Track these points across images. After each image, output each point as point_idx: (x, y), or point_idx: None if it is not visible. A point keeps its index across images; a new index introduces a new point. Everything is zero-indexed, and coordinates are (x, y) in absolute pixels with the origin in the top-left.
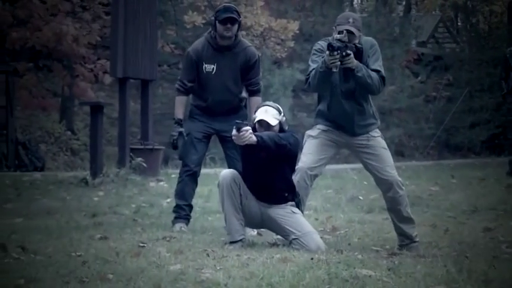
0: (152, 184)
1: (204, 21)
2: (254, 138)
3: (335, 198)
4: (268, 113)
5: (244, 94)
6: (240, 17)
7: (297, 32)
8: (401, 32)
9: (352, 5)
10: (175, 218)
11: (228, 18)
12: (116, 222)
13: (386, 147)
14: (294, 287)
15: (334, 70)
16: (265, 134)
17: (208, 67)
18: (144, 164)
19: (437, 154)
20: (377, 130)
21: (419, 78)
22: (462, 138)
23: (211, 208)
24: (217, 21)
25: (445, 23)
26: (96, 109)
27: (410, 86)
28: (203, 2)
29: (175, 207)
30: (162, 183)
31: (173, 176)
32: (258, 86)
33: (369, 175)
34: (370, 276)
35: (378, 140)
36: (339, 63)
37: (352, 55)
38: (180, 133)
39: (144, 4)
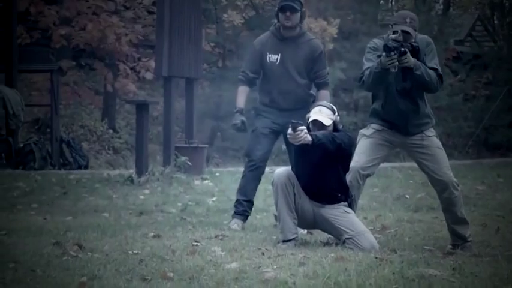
0: (197, 182)
1: (242, 21)
2: (309, 137)
3: (381, 197)
4: (323, 113)
5: (313, 91)
6: (303, 7)
7: (336, 36)
8: (440, 30)
9: (391, 3)
10: (234, 213)
11: (287, 6)
12: (164, 220)
13: (441, 147)
14: (361, 287)
15: (393, 70)
16: (320, 133)
17: (272, 57)
18: (189, 163)
19: (476, 153)
20: (432, 129)
21: (458, 76)
22: (501, 137)
23: (258, 206)
24: (278, 11)
25: (482, 21)
26: (142, 108)
27: (449, 85)
28: (243, 1)
29: (235, 201)
30: (207, 181)
31: (217, 174)
32: (325, 78)
33: (413, 174)
34: (435, 275)
35: (432, 139)
36: (397, 63)
37: (409, 53)
38: (243, 122)
39: (188, 3)
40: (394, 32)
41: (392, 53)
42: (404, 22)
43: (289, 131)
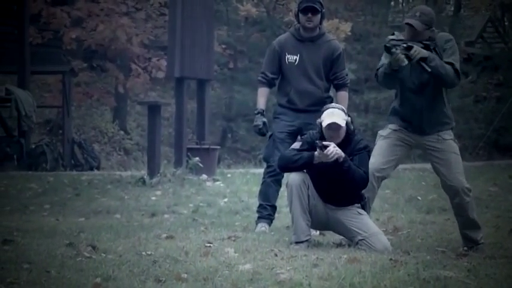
0: (209, 184)
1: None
2: (342, 152)
3: (393, 199)
4: (335, 115)
5: (330, 93)
6: (323, 8)
7: (349, 33)
8: (451, 32)
9: (402, 4)
10: (258, 217)
11: (309, 7)
12: (176, 221)
13: (457, 151)
14: None
15: (403, 64)
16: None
17: (291, 58)
18: (201, 164)
19: (486, 154)
20: (450, 132)
21: (469, 78)
22: None
23: None
24: (299, 12)
25: (493, 23)
26: (154, 109)
27: (460, 86)
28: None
29: (258, 207)
30: (218, 182)
31: (229, 175)
32: (344, 79)
33: (425, 175)
34: (451, 277)
35: (448, 143)
36: (404, 58)
37: (416, 47)
38: (264, 123)
39: (200, 4)
40: (392, 34)
41: (394, 50)
42: (413, 16)
43: (317, 152)
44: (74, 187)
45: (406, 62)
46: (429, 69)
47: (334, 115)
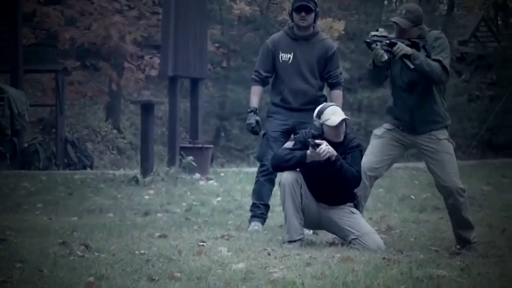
0: (202, 183)
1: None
2: (334, 151)
3: (386, 198)
4: (340, 112)
5: (324, 92)
6: (317, 7)
7: (342, 32)
8: (444, 31)
9: (395, 3)
10: (251, 216)
11: (302, 6)
12: (169, 220)
13: (451, 152)
14: (370, 287)
15: (383, 60)
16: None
17: (285, 56)
18: (194, 163)
19: (480, 153)
20: (444, 131)
21: (462, 77)
22: (505, 138)
23: None
24: (293, 11)
25: (486, 22)
26: (147, 108)
27: (453, 85)
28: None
29: (251, 206)
30: (211, 181)
31: (222, 174)
32: (338, 78)
33: (418, 174)
34: (444, 276)
35: (442, 143)
36: (385, 53)
37: (399, 44)
38: (257, 121)
39: (194, 3)
40: (376, 30)
41: (373, 46)
42: (400, 14)
43: (309, 151)
44: (67, 186)
45: (386, 57)
46: (412, 66)
47: (338, 112)
